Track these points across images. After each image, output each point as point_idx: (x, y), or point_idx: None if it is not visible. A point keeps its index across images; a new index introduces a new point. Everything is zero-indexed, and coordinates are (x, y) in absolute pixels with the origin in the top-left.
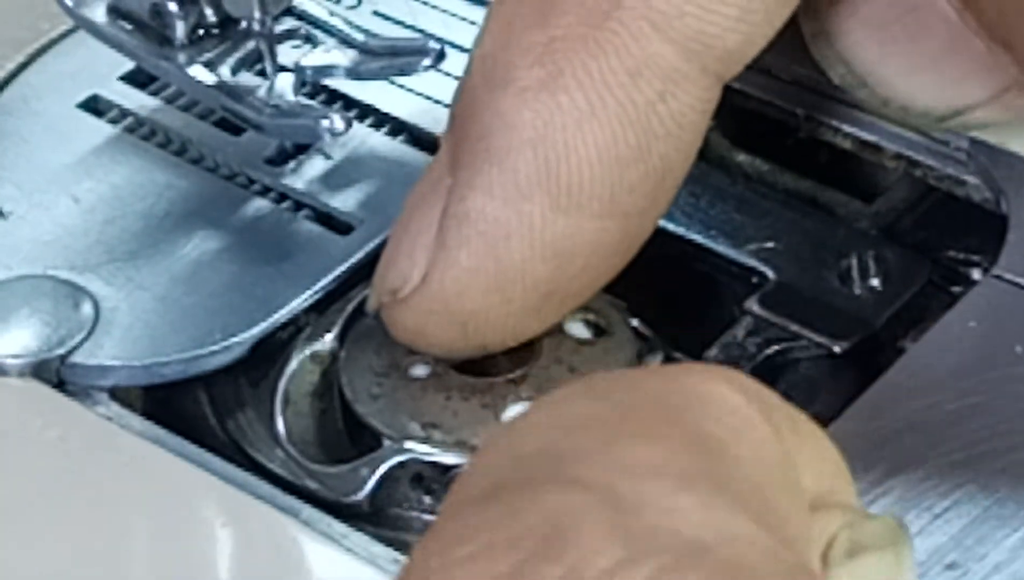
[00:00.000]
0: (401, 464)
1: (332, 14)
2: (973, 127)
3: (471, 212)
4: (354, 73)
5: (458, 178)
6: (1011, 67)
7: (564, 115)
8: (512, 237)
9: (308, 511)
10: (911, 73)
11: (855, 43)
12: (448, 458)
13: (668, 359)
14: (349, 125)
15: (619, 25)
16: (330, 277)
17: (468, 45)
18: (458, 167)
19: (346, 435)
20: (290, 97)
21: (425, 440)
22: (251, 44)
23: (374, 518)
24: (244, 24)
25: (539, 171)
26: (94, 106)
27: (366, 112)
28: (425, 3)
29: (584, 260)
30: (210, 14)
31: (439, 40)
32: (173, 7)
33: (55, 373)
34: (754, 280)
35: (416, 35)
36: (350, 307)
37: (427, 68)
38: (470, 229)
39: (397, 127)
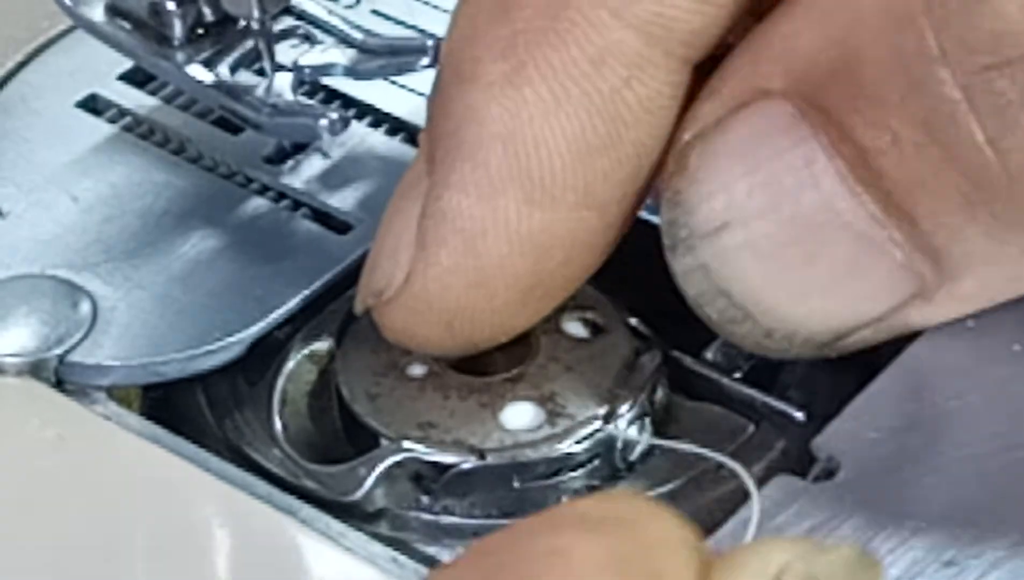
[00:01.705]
0: (399, 463)
1: (331, 13)
2: (846, 350)
3: (447, 210)
4: (352, 72)
5: (434, 177)
6: (926, 276)
7: (530, 108)
8: (489, 233)
9: (306, 510)
10: (805, 298)
11: (740, 273)
12: (446, 457)
13: (666, 358)
14: (347, 124)
15: (577, 14)
16: (328, 276)
17: None
18: (433, 165)
19: (344, 434)
20: (288, 96)
21: (423, 439)
22: (249, 43)
23: (372, 517)
24: (242, 23)
25: (510, 165)
26: (93, 105)
27: (364, 111)
28: (423, 2)
29: (564, 253)
30: (208, 13)
31: (437, 39)
32: (171, 6)
33: (53, 372)
34: None
35: (415, 34)
36: (348, 307)
37: (426, 67)
38: (447, 227)
39: (395, 126)
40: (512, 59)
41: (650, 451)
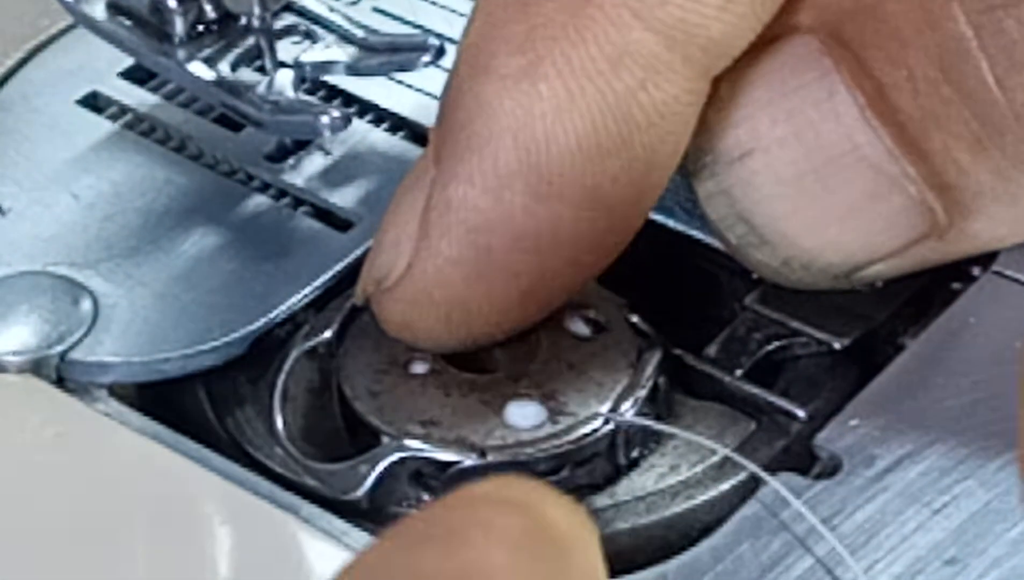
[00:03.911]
0: (400, 461)
1: (332, 10)
2: (860, 282)
3: (452, 201)
4: (354, 69)
5: (441, 168)
6: (938, 213)
7: (544, 103)
8: (493, 226)
9: (307, 508)
10: (822, 227)
11: (761, 200)
12: (447, 455)
13: (667, 356)
14: (348, 121)
15: (599, 12)
16: (329, 274)
17: None
18: (441, 157)
19: (345, 432)
20: (289, 93)
21: (424, 437)
22: (250, 40)
23: (373, 515)
24: (243, 20)
25: (519, 160)
26: (93, 103)
27: (366, 108)
28: None
29: (568, 252)
30: (209, 10)
31: (439, 36)
32: (172, 3)
33: (54, 370)
34: (754, 276)
35: (416, 31)
36: (349, 304)
37: (427, 64)
38: (451, 218)
39: (397, 123)
40: (529, 53)
41: (652, 449)
